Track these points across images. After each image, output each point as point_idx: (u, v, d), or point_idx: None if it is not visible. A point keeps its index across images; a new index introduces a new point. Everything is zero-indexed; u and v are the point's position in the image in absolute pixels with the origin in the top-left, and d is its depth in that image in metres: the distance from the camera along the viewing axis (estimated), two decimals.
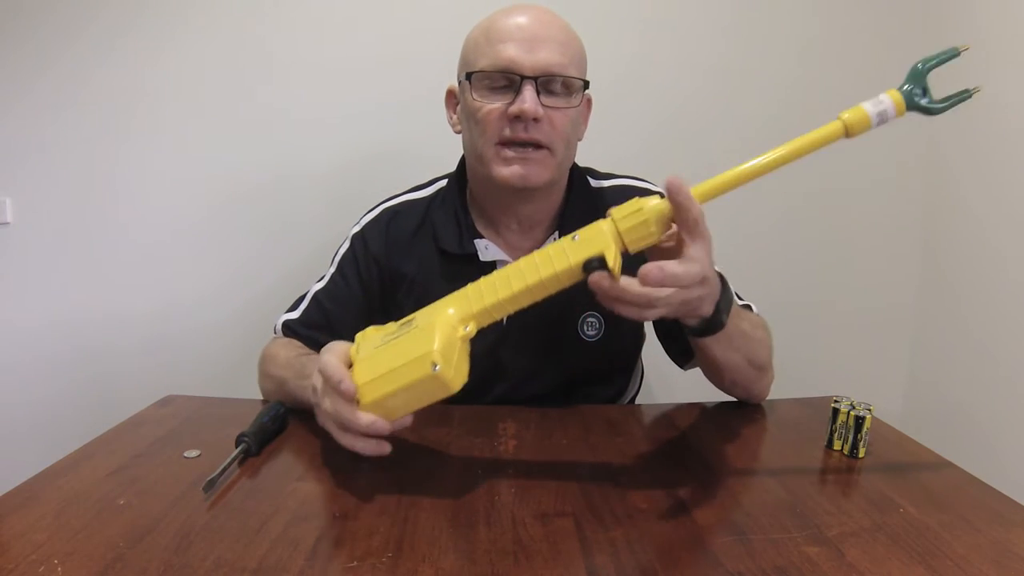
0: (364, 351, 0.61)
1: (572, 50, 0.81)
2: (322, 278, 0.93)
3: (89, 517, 0.55)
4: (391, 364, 0.57)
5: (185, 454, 0.68)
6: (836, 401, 0.71)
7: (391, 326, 0.63)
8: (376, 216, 0.92)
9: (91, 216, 1.37)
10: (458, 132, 0.88)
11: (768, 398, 0.85)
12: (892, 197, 1.45)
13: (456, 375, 0.57)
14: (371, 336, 0.64)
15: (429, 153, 1.03)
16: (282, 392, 0.80)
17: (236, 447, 0.67)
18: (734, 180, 0.59)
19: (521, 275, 0.58)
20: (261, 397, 0.87)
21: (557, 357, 0.87)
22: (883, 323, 1.50)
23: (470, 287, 0.61)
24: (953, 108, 0.57)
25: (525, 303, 0.59)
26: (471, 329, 0.59)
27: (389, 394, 0.58)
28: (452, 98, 0.89)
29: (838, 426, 0.70)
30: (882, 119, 0.56)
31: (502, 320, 0.87)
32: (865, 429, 0.68)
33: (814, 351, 1.45)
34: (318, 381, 0.63)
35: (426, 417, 0.81)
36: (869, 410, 0.69)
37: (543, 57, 0.78)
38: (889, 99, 0.56)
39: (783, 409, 0.84)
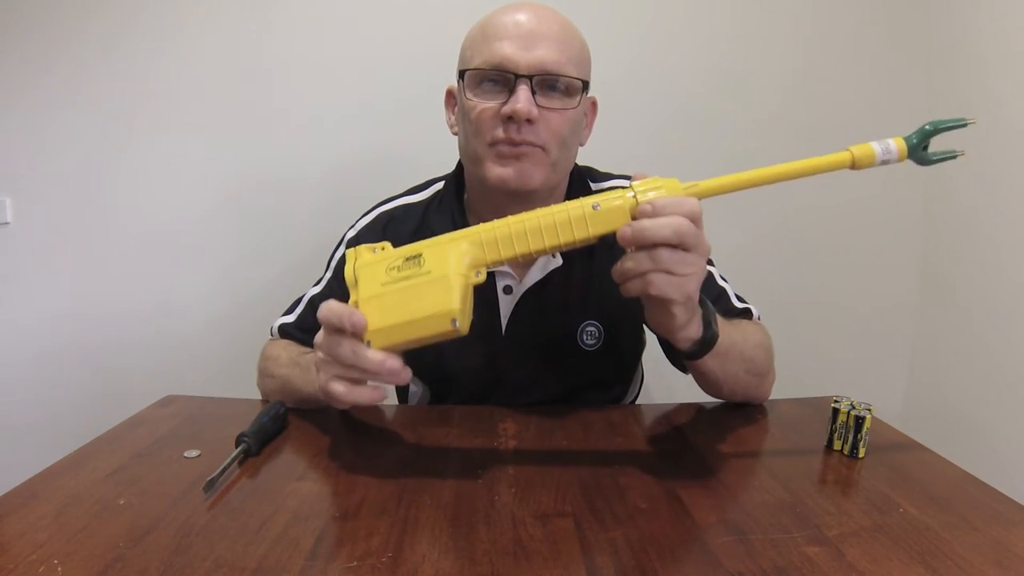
0: (369, 287, 0.59)
1: (572, 48, 0.78)
2: (318, 282, 0.92)
3: (89, 517, 0.55)
4: (407, 315, 0.57)
5: (185, 454, 0.68)
6: (836, 401, 0.71)
7: (392, 254, 0.61)
8: (372, 220, 0.91)
9: (91, 216, 1.37)
10: (455, 133, 0.86)
11: (768, 398, 0.85)
12: (892, 198, 1.45)
13: (467, 326, 0.58)
14: (370, 265, 0.60)
15: (427, 154, 1.03)
16: (286, 390, 0.80)
17: (236, 447, 0.67)
18: (736, 183, 0.62)
19: (538, 235, 0.59)
20: (261, 397, 0.87)
21: (557, 366, 0.86)
22: (883, 323, 1.51)
23: (483, 232, 0.60)
24: (940, 162, 0.64)
25: (535, 256, 0.62)
26: (481, 276, 0.60)
27: (401, 343, 0.57)
28: (451, 98, 0.87)
29: (838, 426, 0.70)
30: (885, 160, 0.62)
31: (501, 331, 0.87)
32: (865, 429, 0.68)
33: (814, 351, 1.45)
34: (319, 351, 0.60)
35: (426, 417, 0.82)
36: (869, 410, 0.69)
37: (539, 55, 0.75)
38: (895, 145, 0.61)
39: (783, 409, 0.84)
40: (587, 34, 0.83)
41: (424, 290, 0.57)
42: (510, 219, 0.60)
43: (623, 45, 1.36)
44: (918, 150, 0.62)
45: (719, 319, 0.71)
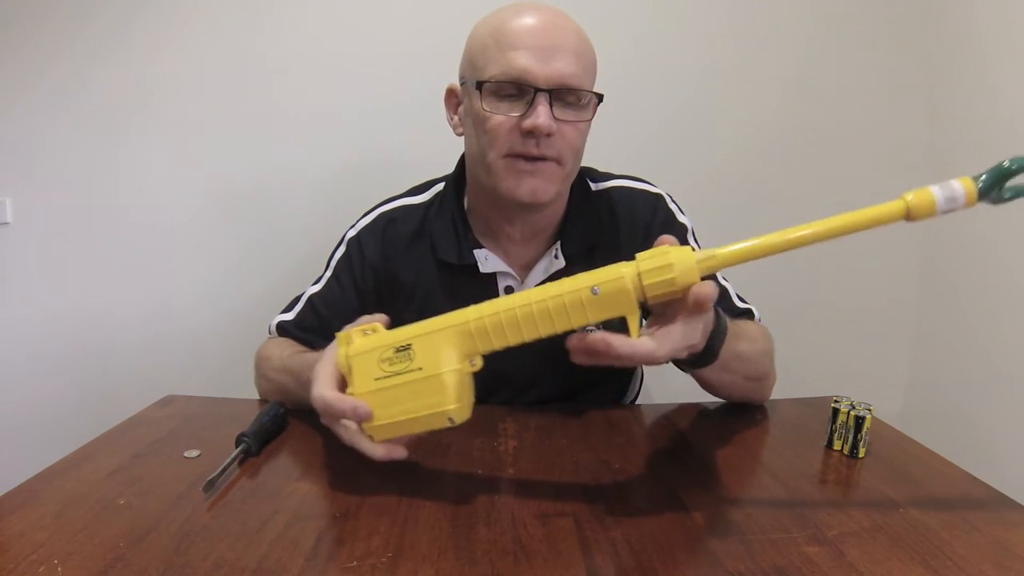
0: (364, 382, 0.59)
1: (586, 59, 0.77)
2: (318, 280, 0.92)
3: (89, 517, 0.56)
4: (405, 413, 0.57)
5: (185, 454, 0.68)
6: (836, 401, 0.71)
7: (382, 342, 0.59)
8: (372, 221, 0.91)
9: (91, 216, 1.37)
10: (459, 134, 0.86)
11: (769, 398, 0.85)
12: (892, 197, 1.44)
13: (467, 412, 0.58)
14: (363, 355, 0.59)
15: (427, 155, 1.03)
16: (282, 393, 0.80)
17: (236, 447, 0.67)
18: (762, 250, 0.54)
19: (532, 322, 0.55)
20: (258, 396, 0.87)
21: (557, 365, 0.86)
22: (883, 323, 1.51)
23: (472, 319, 0.56)
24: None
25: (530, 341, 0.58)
26: (477, 364, 0.58)
27: (400, 435, 0.59)
28: (452, 98, 0.86)
29: (838, 426, 0.70)
30: (950, 208, 0.51)
31: None
32: (865, 429, 0.68)
33: (814, 351, 1.45)
34: (319, 402, 0.61)
35: None
36: (869, 410, 0.69)
37: (558, 68, 0.74)
38: (961, 188, 0.50)
39: (783, 409, 0.84)
40: (587, 32, 0.82)
41: (418, 388, 0.57)
42: (500, 304, 0.56)
43: (623, 44, 1.35)
44: (991, 191, 0.51)
45: (729, 326, 0.68)
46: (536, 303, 0.54)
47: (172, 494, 0.60)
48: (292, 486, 0.62)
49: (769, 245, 0.54)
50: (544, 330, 0.55)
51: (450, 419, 0.56)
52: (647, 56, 1.38)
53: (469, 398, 0.59)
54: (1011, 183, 0.50)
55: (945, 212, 0.51)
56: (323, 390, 0.60)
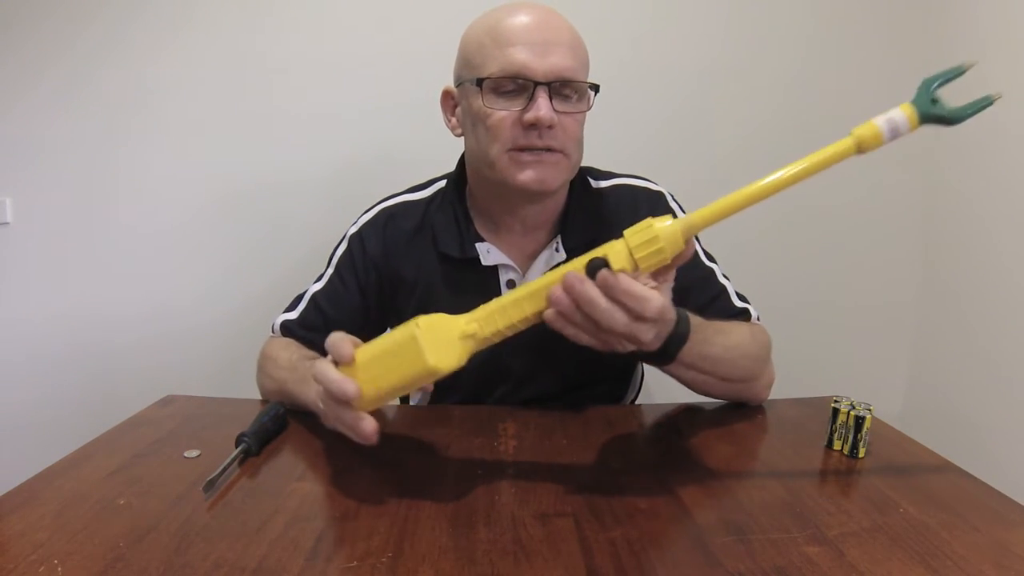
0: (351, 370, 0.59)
1: (580, 53, 0.80)
2: (320, 278, 0.92)
3: (89, 517, 0.55)
4: (381, 350, 0.57)
5: (185, 454, 0.68)
6: (836, 401, 0.71)
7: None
8: (373, 217, 0.91)
9: (91, 216, 1.37)
10: (458, 135, 0.87)
11: (768, 398, 0.85)
12: (892, 197, 1.45)
13: (438, 354, 0.55)
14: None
15: (428, 154, 1.03)
16: (283, 393, 0.80)
17: (236, 447, 0.67)
18: (733, 205, 0.57)
19: (534, 298, 0.57)
20: (261, 397, 0.87)
21: (556, 361, 0.87)
22: (883, 323, 1.51)
23: (480, 314, 0.58)
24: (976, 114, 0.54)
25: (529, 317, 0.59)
26: (475, 329, 0.58)
27: (382, 387, 0.57)
28: (449, 100, 0.87)
29: (838, 426, 0.70)
30: (895, 135, 0.54)
31: None
32: (865, 429, 0.68)
33: (814, 351, 1.45)
34: (319, 390, 0.62)
35: (426, 417, 0.82)
36: (869, 410, 0.69)
37: (555, 61, 0.76)
38: (902, 115, 0.53)
39: (783, 409, 0.84)
40: (586, 32, 0.83)
41: (396, 350, 0.56)
42: (507, 301, 0.58)
43: (623, 44, 1.36)
44: (929, 107, 0.53)
45: (693, 333, 0.68)
46: (539, 288, 0.57)
47: (172, 494, 0.59)
48: (292, 486, 0.62)
49: (739, 200, 0.57)
50: (543, 301, 0.57)
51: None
52: (647, 56, 1.38)
53: (451, 351, 0.57)
54: (953, 106, 0.53)
55: (892, 139, 0.53)
56: (321, 364, 0.59)
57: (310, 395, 0.67)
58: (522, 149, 0.78)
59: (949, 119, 0.54)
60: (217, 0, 1.32)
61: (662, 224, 0.56)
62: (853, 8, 1.40)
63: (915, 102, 0.54)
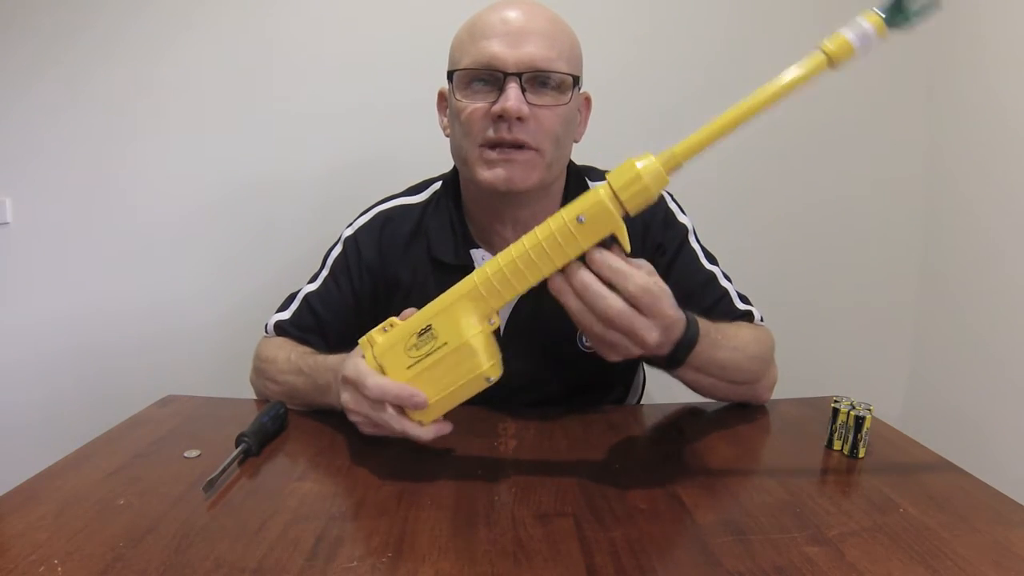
0: (398, 374, 0.61)
1: (561, 43, 0.77)
2: (314, 278, 0.91)
3: (89, 517, 0.55)
4: (446, 388, 0.60)
5: (185, 454, 0.68)
6: (836, 401, 0.71)
7: (404, 331, 0.62)
8: (369, 220, 0.91)
9: (91, 216, 1.37)
10: (448, 135, 0.86)
11: (767, 399, 0.85)
12: (892, 197, 1.45)
13: (500, 367, 0.61)
14: (390, 351, 0.62)
15: (424, 155, 1.02)
16: (293, 397, 0.80)
17: (236, 447, 0.67)
18: (713, 133, 0.59)
19: (533, 265, 0.58)
20: (255, 395, 0.87)
21: (557, 367, 0.86)
22: (883, 323, 1.50)
23: (479, 280, 0.59)
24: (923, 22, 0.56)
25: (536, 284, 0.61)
26: (495, 321, 0.61)
27: (447, 409, 0.62)
28: (443, 101, 0.87)
29: (838, 426, 0.70)
30: (865, 46, 0.55)
31: (499, 331, 0.87)
32: (865, 429, 0.68)
33: (814, 351, 1.45)
34: (350, 408, 0.64)
35: None
36: (869, 410, 0.69)
37: (528, 51, 0.74)
38: (869, 24, 0.55)
39: (783, 409, 0.84)
40: (586, 32, 0.82)
41: (451, 360, 0.60)
42: (500, 259, 0.59)
43: (623, 44, 1.35)
44: (896, 18, 0.55)
45: (702, 337, 0.68)
46: (531, 248, 0.57)
47: (172, 494, 0.59)
48: (292, 486, 0.62)
49: (720, 127, 0.58)
50: (547, 268, 0.58)
51: (487, 379, 0.59)
52: (647, 56, 1.38)
53: (498, 354, 0.61)
54: (914, 5, 0.54)
55: (863, 48, 0.54)
56: (379, 379, 0.61)
57: (329, 398, 0.68)
58: (493, 146, 0.76)
59: (900, 25, 0.55)
60: (216, 0, 1.32)
61: (644, 162, 0.57)
62: (853, 8, 1.39)
63: (882, 10, 0.55)
